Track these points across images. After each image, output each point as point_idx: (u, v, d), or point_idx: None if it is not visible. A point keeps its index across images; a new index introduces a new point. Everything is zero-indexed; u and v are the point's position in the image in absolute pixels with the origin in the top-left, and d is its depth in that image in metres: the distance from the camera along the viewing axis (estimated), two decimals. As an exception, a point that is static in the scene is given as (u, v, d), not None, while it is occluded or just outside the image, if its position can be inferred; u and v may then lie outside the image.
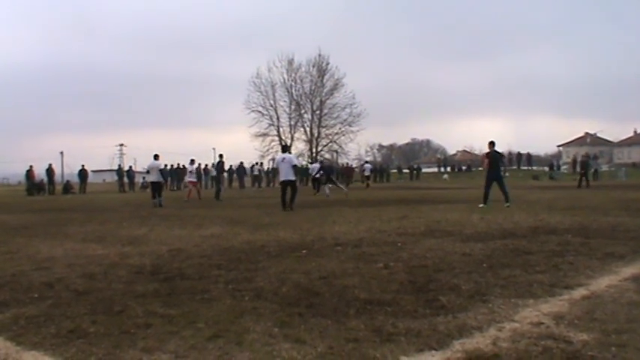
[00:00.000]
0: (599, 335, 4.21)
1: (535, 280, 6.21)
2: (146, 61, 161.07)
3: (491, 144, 18.41)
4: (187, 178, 30.85)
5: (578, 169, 42.06)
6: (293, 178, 18.16)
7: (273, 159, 54.82)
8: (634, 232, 10.28)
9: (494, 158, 18.48)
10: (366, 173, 45.92)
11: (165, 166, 46.68)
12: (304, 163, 58.01)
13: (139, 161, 77.44)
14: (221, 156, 27.25)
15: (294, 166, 18.01)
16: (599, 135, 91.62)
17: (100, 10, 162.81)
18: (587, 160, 36.42)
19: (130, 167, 53.46)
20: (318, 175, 30.72)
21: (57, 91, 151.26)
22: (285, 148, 18.65)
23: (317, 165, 33.50)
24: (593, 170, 51.26)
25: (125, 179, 47.16)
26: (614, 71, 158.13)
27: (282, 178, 18.13)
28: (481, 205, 17.37)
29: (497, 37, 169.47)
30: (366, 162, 55.25)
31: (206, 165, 50.99)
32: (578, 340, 4.11)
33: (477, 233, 10.54)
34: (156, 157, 22.69)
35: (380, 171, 64.54)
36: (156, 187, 22.24)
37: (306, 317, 4.92)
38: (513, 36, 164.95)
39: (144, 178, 51.17)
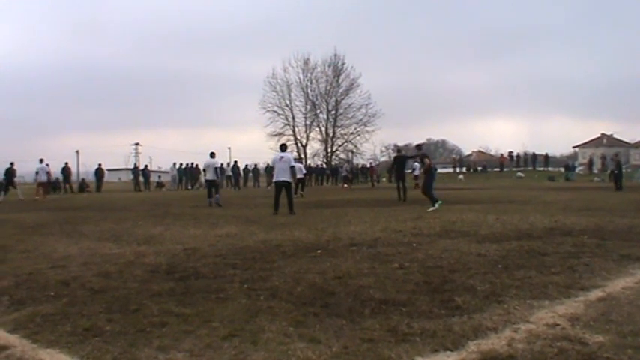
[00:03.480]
0: (615, 337, 4.18)
1: (550, 282, 6.18)
2: (162, 61, 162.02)
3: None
4: (39, 178, 30.65)
5: (609, 169, 41.06)
6: (289, 179, 17.20)
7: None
8: (651, 233, 10.20)
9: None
10: (416, 173, 40.65)
11: (180, 165, 47.25)
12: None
13: (155, 160, 77.79)
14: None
15: (292, 168, 17.29)
16: (615, 136, 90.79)
17: (115, 10, 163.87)
18: (619, 159, 35.25)
19: (146, 166, 53.57)
20: (302, 176, 28.90)
21: (73, 91, 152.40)
22: (284, 148, 18.02)
23: (300, 165, 31.11)
24: (609, 171, 50.73)
25: (141, 178, 47.29)
26: (631, 72, 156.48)
27: (278, 178, 17.12)
28: (432, 208, 16.92)
29: (513, 37, 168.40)
30: (416, 162, 52.68)
31: (222, 164, 51.11)
32: (594, 341, 4.09)
33: (492, 234, 10.49)
34: (212, 155, 22.30)
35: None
36: (211, 186, 21.86)
37: (321, 317, 4.93)
38: (530, 37, 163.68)
39: (159, 177, 51.52)
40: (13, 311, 5.42)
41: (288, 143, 62.86)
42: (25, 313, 5.30)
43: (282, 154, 17.43)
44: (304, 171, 30.82)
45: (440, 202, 17.44)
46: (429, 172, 18.06)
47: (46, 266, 7.89)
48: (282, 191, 17.05)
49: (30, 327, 4.83)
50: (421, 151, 19.65)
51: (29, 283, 6.70)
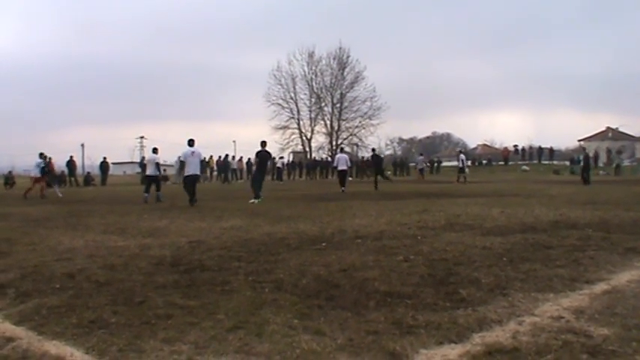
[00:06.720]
0: (620, 330, 4.18)
1: (555, 275, 6.18)
2: (167, 54, 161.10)
3: (263, 144, 20.13)
4: (32, 173, 27.63)
5: (614, 163, 40.90)
6: (199, 173, 18.82)
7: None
8: (657, 226, 10.17)
9: (263, 158, 20.21)
10: (460, 165, 38.82)
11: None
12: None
13: (159, 153, 77.59)
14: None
15: (201, 161, 18.34)
16: (621, 129, 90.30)
17: (119, 4, 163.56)
18: (587, 154, 34.83)
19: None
20: (345, 168, 27.87)
21: (78, 84, 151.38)
22: (192, 142, 18.23)
23: (344, 155, 29.32)
24: (615, 165, 50.67)
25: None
26: (637, 65, 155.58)
27: (191, 172, 18.33)
28: (252, 201, 18.80)
29: (519, 30, 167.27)
30: (461, 152, 49.54)
31: (226, 156, 51.12)
32: (599, 334, 4.09)
33: (497, 227, 10.48)
34: (154, 150, 22.27)
35: (400, 164, 64.23)
36: (151, 181, 21.45)
37: (325, 309, 4.94)
38: (536, 29, 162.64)
39: (164, 170, 51.46)
40: (19, 303, 5.44)
41: (292, 137, 63.14)
42: (31, 306, 5.32)
43: (193, 149, 18.37)
44: (349, 163, 30.35)
45: (261, 199, 19.05)
46: (260, 169, 20.17)
47: (51, 259, 7.91)
48: (195, 183, 18.41)
49: (36, 319, 4.85)
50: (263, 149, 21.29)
51: (35, 276, 6.72)
